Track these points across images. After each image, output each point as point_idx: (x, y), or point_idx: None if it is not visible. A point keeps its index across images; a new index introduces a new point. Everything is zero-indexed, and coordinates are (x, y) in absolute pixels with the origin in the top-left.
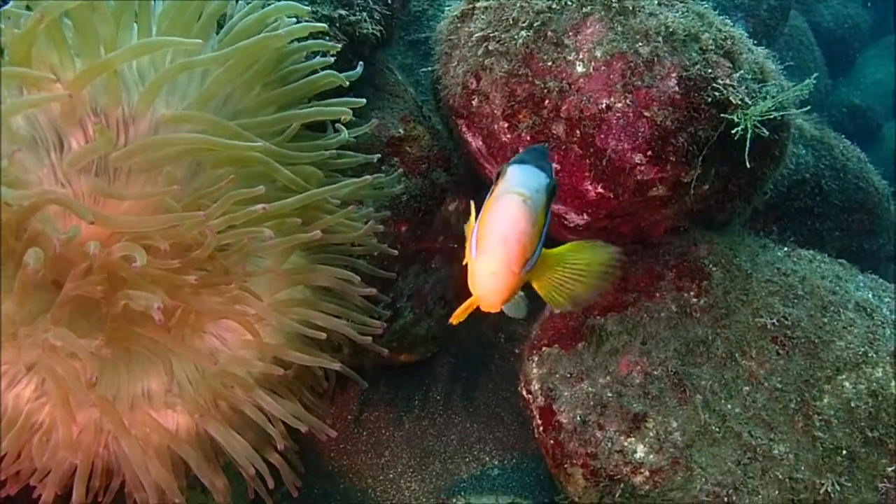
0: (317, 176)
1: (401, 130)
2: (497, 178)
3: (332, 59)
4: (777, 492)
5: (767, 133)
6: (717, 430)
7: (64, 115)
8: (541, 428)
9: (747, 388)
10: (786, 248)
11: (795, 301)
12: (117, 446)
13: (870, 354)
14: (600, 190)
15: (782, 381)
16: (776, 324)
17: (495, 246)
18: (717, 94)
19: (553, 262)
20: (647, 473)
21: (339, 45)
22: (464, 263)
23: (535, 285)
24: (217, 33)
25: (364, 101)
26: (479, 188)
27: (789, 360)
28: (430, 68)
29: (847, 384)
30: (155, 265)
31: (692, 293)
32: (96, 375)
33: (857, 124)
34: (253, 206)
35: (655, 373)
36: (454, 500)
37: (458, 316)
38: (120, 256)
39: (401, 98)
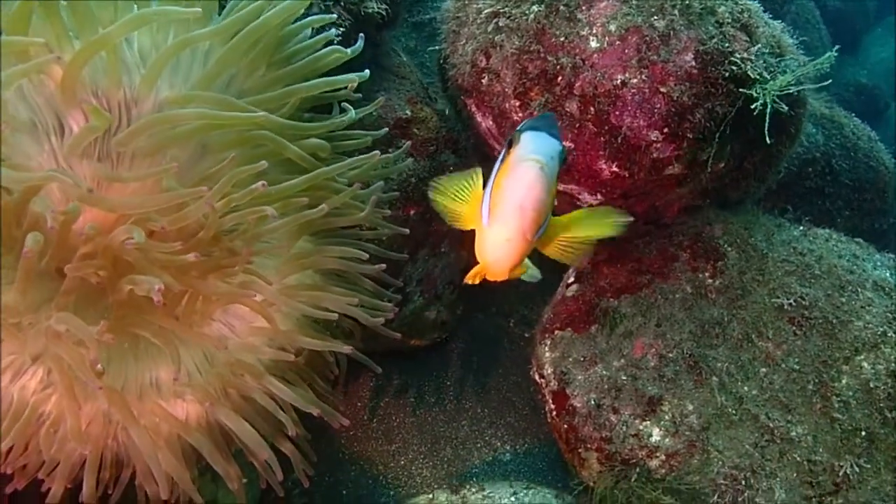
0: (325, 149)
1: (408, 112)
2: (509, 144)
3: (336, 34)
4: (795, 474)
5: (786, 109)
6: (734, 412)
7: (63, 97)
8: (554, 412)
9: (764, 369)
10: (801, 227)
11: (812, 281)
12: (126, 437)
13: (889, 334)
14: (615, 169)
15: (800, 363)
16: (793, 304)
17: (512, 213)
18: (734, 68)
19: (560, 229)
20: (664, 457)
21: (335, 14)
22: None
23: (541, 250)
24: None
25: (367, 72)
26: (488, 169)
27: (807, 340)
28: (436, 48)
29: (866, 365)
30: (158, 248)
31: (707, 274)
32: (102, 364)
33: (864, 103)
34: (253, 185)
35: (670, 355)
36: (468, 487)
37: (469, 279)
38: (122, 240)
39: (407, 79)
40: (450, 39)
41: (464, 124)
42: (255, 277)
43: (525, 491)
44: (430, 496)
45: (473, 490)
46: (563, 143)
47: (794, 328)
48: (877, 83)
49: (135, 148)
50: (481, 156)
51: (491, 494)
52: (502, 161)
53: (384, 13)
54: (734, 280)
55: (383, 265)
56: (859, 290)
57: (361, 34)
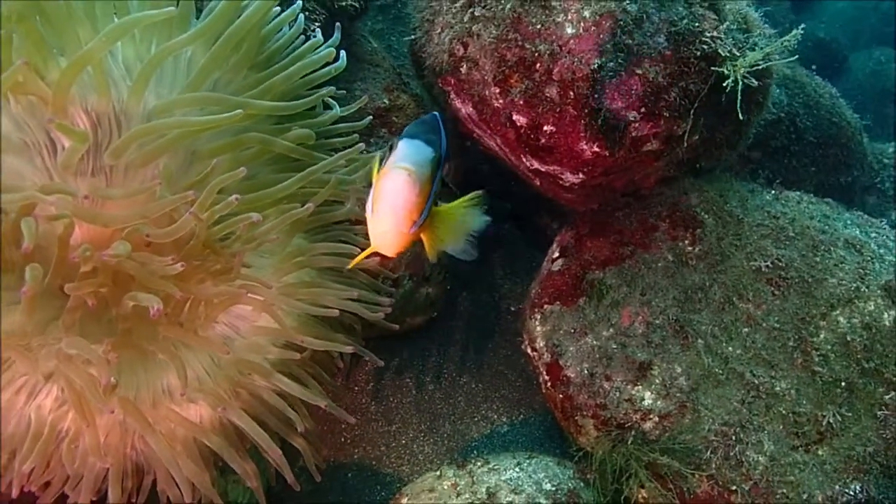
0: (310, 137)
1: (386, 101)
2: (390, 149)
3: (309, 25)
4: (781, 426)
5: (756, 83)
6: (721, 372)
7: (55, 115)
8: (548, 383)
9: (746, 329)
10: (773, 191)
11: (787, 242)
12: (145, 445)
13: (862, 289)
14: (596, 149)
15: (779, 321)
16: (770, 266)
17: (385, 211)
18: (705, 47)
19: (441, 218)
20: (657, 419)
21: (302, 3)
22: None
23: (423, 237)
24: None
25: (344, 60)
26: (467, 154)
27: (785, 300)
28: (411, 37)
29: (842, 319)
30: (153, 261)
31: (687, 242)
32: (114, 378)
33: (823, 57)
34: (227, 199)
35: (657, 321)
36: (473, 461)
37: (356, 262)
38: (116, 255)
39: (380, 66)
40: (424, 28)
41: (440, 108)
42: (254, 283)
43: (528, 461)
44: (438, 473)
45: (479, 464)
46: (443, 144)
47: (772, 289)
48: (834, 36)
49: (127, 160)
50: (459, 140)
51: (496, 467)
52: (385, 163)
53: (358, 5)
54: (713, 246)
55: (377, 257)
56: (832, 248)
57: (338, 24)
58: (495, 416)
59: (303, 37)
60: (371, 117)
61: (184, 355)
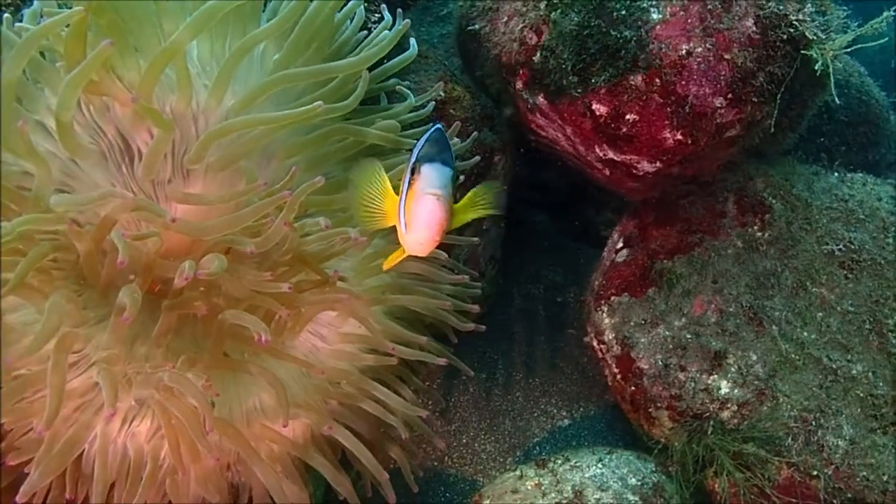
0: (395, 129)
1: (441, 93)
2: (412, 172)
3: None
4: (859, 409)
5: (841, 66)
6: (797, 357)
7: (132, 119)
8: (618, 376)
9: (820, 314)
10: (837, 174)
11: (857, 225)
12: (242, 465)
13: None
14: (679, 137)
15: (854, 304)
16: (842, 249)
17: (422, 228)
18: (791, 30)
19: (460, 212)
20: (735, 408)
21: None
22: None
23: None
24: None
25: (415, 49)
26: (525, 147)
27: (858, 283)
28: (474, 27)
29: None
30: (248, 274)
31: (756, 227)
32: (212, 399)
33: None
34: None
35: (730, 309)
36: (553, 460)
37: (388, 264)
38: (213, 272)
39: (429, 58)
40: (488, 17)
41: (494, 100)
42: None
43: (609, 456)
44: (518, 473)
45: (559, 462)
46: (452, 156)
47: (844, 272)
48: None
49: (207, 164)
50: (517, 131)
51: (578, 464)
52: (409, 184)
53: None
54: (783, 231)
55: (466, 277)
56: None
57: (399, 10)
58: (555, 411)
59: (364, 31)
60: (434, 104)
61: (271, 366)
